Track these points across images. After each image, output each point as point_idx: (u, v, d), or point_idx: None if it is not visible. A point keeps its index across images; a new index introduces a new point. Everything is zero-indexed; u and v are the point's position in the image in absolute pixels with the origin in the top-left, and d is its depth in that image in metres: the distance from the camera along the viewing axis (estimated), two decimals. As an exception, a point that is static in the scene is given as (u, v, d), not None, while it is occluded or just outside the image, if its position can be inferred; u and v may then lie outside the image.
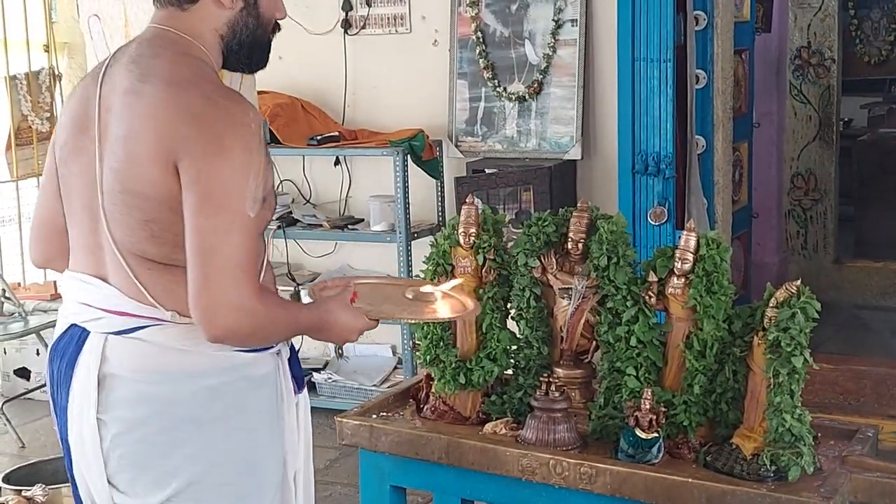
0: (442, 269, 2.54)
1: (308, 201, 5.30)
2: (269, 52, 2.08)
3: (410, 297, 2.22)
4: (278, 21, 2.08)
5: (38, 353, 5.24)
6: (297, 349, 2.18)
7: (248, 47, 2.03)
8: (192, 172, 1.82)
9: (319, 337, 2.09)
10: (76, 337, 1.97)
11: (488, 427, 2.48)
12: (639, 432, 2.23)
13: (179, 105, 1.85)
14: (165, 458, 1.93)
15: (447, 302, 2.22)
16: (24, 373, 5.41)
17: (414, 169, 4.74)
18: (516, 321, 2.55)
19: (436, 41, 4.93)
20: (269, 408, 2.03)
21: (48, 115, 5.54)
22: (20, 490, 3.47)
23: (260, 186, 1.86)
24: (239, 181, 1.82)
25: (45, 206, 2.11)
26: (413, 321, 2.36)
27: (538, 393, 2.40)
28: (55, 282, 5.63)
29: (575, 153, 4.61)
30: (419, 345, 2.59)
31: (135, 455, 1.94)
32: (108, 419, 1.93)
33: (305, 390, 2.16)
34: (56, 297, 5.36)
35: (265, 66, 2.10)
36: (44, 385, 5.20)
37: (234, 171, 1.82)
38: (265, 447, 2.03)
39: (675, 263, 2.32)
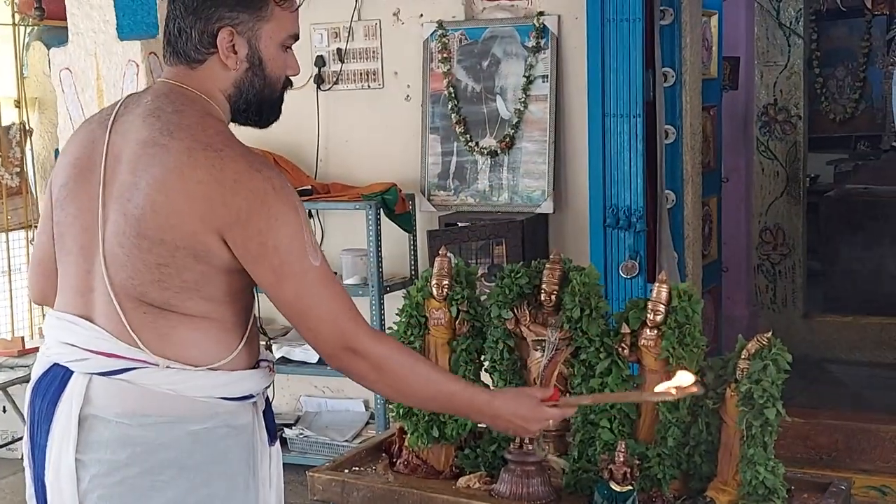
0: (415, 321, 2.54)
1: (280, 255, 5.27)
2: (280, 107, 2.09)
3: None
4: (290, 77, 2.08)
5: (3, 411, 5.16)
6: (270, 401, 2.17)
7: (256, 105, 2.04)
8: (252, 247, 1.88)
9: (489, 422, 2.15)
10: (59, 376, 1.96)
11: (462, 481, 2.46)
12: (613, 485, 2.23)
13: (221, 170, 1.87)
14: (145, 501, 1.92)
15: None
16: (-12, 431, 5.32)
17: (386, 222, 4.75)
18: (490, 373, 2.54)
19: (408, 96, 4.97)
20: (247, 457, 2.03)
21: (18, 169, 5.53)
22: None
23: (313, 235, 1.94)
24: (299, 241, 1.90)
25: (42, 245, 2.12)
26: (606, 401, 2.37)
27: (512, 446, 2.39)
28: (22, 338, 5.57)
29: (547, 207, 4.64)
30: (392, 398, 2.57)
31: (113, 497, 1.92)
32: (87, 460, 1.93)
33: (278, 443, 2.16)
34: (24, 352, 5.29)
35: (277, 119, 2.11)
36: (10, 443, 5.13)
37: (292, 235, 1.89)
38: (243, 495, 2.02)
39: (648, 315, 2.33)
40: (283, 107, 2.12)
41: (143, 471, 1.92)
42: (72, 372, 1.95)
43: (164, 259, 1.89)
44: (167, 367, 1.92)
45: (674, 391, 2.08)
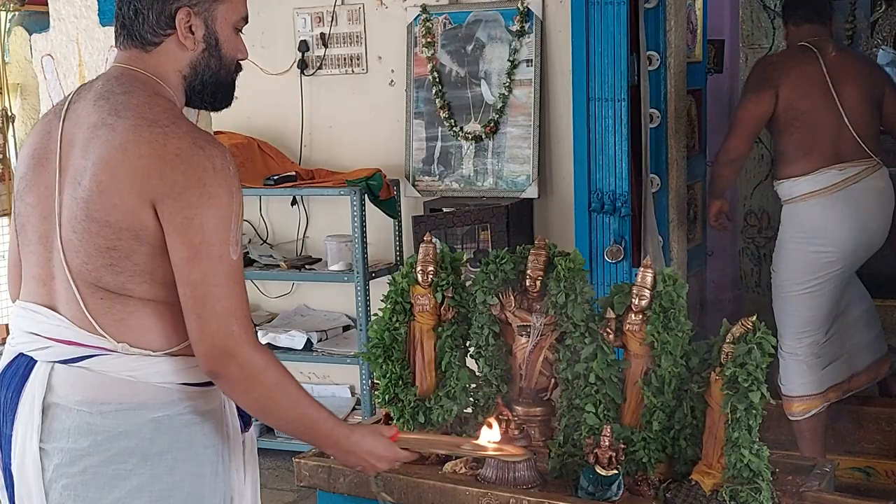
0: (400, 307, 2.54)
1: (265, 241, 5.27)
2: (233, 90, 2.12)
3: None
4: (240, 61, 2.11)
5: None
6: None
7: (212, 87, 2.07)
8: (178, 219, 1.86)
9: (341, 457, 2.12)
10: (23, 366, 1.97)
11: (448, 466, 2.47)
12: (598, 469, 2.23)
13: (163, 144, 1.87)
14: (109, 490, 1.93)
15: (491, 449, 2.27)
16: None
17: (371, 208, 4.74)
18: (475, 359, 2.54)
19: (392, 81, 4.96)
20: (215, 443, 2.03)
21: (0, 156, 5.49)
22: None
23: (240, 229, 1.92)
24: (223, 227, 1.88)
25: (14, 245, 2.13)
26: (447, 453, 2.42)
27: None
28: (7, 325, 5.54)
29: (532, 192, 4.64)
30: (378, 384, 2.58)
31: (77, 487, 1.93)
32: (50, 449, 1.93)
33: (252, 429, 2.16)
34: (5, 340, 5.27)
35: (229, 104, 2.14)
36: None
37: (219, 218, 1.87)
38: (210, 483, 2.02)
39: (633, 300, 2.33)
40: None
41: (105, 459, 1.92)
42: (35, 361, 1.96)
43: (112, 242, 1.89)
44: (126, 353, 1.92)
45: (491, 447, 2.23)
